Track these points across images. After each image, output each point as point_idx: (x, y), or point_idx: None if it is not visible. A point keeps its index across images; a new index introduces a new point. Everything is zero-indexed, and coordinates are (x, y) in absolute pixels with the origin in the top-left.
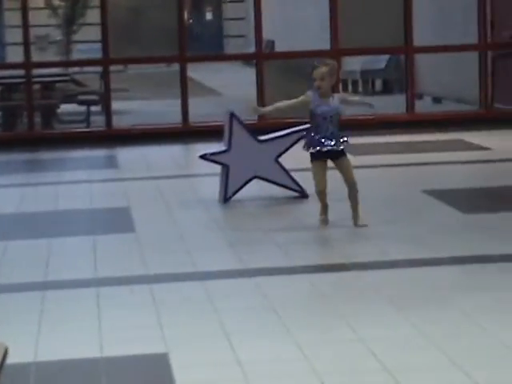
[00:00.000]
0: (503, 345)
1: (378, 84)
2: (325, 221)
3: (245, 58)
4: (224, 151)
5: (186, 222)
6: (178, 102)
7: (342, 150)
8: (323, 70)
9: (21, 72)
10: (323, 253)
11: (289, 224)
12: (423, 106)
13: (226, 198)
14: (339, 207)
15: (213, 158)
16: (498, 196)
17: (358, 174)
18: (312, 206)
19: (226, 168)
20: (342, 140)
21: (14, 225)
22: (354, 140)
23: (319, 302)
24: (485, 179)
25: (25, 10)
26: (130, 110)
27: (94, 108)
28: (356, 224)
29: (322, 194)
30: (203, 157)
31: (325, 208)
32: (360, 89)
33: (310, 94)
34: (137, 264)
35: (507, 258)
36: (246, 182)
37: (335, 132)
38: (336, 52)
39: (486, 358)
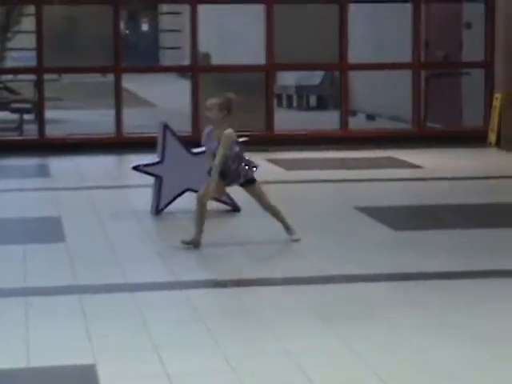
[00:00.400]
0: (430, 361)
1: (313, 100)
2: (194, 241)
3: (180, 70)
4: (157, 163)
5: (117, 233)
6: (113, 112)
7: (246, 183)
8: (213, 100)
9: None
10: (253, 267)
11: (220, 237)
12: (357, 123)
13: (158, 210)
14: (271, 222)
15: (146, 169)
16: (428, 214)
17: (290, 189)
18: (244, 220)
19: (158, 180)
20: (241, 175)
21: None
22: (288, 155)
23: (247, 315)
24: (416, 197)
25: None
26: (64, 119)
27: (27, 116)
28: (290, 237)
29: (201, 200)
30: (136, 168)
31: (200, 226)
32: (294, 104)
33: (205, 130)
34: (66, 274)
35: (436, 276)
36: (179, 195)
37: (233, 168)
38: (271, 66)
39: (413, 373)
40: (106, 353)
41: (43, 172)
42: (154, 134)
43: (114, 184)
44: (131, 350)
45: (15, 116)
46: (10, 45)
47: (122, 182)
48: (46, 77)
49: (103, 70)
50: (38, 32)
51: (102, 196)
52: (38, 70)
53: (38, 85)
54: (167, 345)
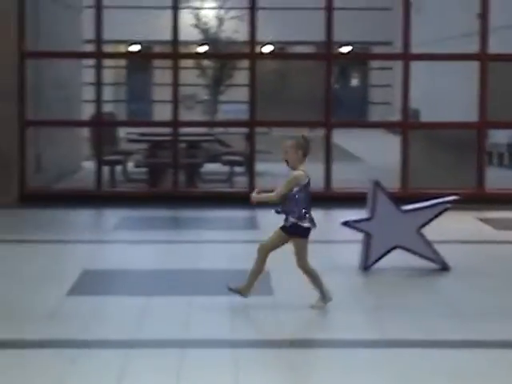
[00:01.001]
0: None
1: None
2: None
3: (390, 127)
4: (367, 219)
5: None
6: (320, 166)
7: (291, 229)
8: (288, 143)
9: (167, 130)
10: (461, 327)
11: (425, 297)
12: None
13: (366, 266)
14: (483, 282)
15: (355, 225)
16: None
17: (500, 250)
18: (453, 279)
19: (368, 236)
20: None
21: (155, 281)
22: (499, 214)
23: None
24: None
25: (175, 69)
26: (273, 172)
27: (236, 168)
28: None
29: (303, 268)
30: (346, 223)
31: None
32: (506, 162)
33: None
34: (273, 328)
35: None
36: (388, 251)
37: (286, 209)
38: (483, 124)
39: None
40: None
41: (252, 224)
42: (362, 190)
43: (323, 238)
44: None
45: (225, 168)
46: (221, 98)
47: (331, 236)
48: (257, 130)
49: (313, 125)
50: (252, 86)
51: (310, 250)
52: (251, 123)
53: (250, 138)
54: None
